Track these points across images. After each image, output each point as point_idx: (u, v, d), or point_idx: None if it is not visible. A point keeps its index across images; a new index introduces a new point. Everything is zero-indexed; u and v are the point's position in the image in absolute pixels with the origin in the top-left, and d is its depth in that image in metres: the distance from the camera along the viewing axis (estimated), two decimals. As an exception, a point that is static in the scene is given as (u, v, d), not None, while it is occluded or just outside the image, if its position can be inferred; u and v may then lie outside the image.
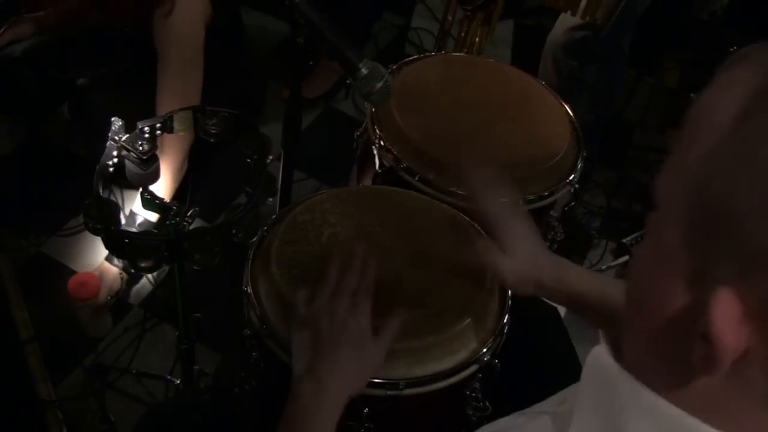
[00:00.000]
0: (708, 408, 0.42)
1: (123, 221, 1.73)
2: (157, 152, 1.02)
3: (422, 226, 1.06)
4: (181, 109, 1.04)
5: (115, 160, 0.98)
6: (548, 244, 1.35)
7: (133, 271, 1.68)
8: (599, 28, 1.66)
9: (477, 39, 1.71)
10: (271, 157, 1.06)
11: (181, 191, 1.72)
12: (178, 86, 1.59)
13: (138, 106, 1.54)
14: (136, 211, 1.63)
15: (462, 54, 1.69)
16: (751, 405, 0.41)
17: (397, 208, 1.08)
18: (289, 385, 0.80)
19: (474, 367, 0.93)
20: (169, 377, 1.57)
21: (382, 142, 1.22)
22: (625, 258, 1.86)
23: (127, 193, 1.79)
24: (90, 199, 0.96)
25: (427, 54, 1.46)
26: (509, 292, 0.99)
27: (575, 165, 1.26)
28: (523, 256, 0.88)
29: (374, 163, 1.23)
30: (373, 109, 1.26)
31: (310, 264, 0.96)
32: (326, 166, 2.01)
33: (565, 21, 1.77)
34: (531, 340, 1.09)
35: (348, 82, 1.12)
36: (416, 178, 1.17)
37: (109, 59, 1.71)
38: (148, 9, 1.55)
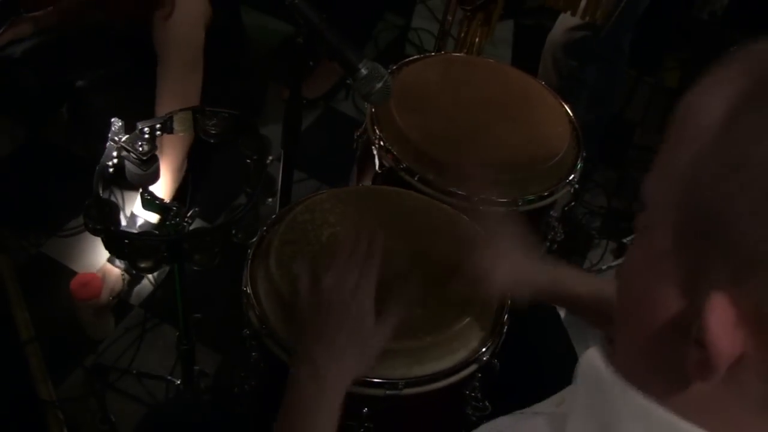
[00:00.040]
0: (703, 412, 0.42)
1: (124, 223, 1.73)
2: (157, 153, 1.02)
3: (422, 227, 1.06)
4: (180, 110, 1.04)
5: (115, 160, 0.98)
6: (548, 244, 1.35)
7: (134, 272, 1.68)
8: (599, 28, 1.66)
9: (477, 39, 1.71)
10: (270, 158, 1.06)
11: (181, 192, 1.72)
12: (178, 87, 1.59)
13: (137, 108, 1.54)
14: (137, 213, 1.63)
15: (462, 54, 1.69)
16: (747, 409, 0.41)
17: (397, 209, 1.08)
18: (288, 372, 0.79)
19: (473, 367, 0.93)
20: (169, 378, 1.57)
21: (381, 143, 1.22)
22: (626, 258, 1.85)
23: (128, 195, 1.79)
24: (90, 199, 0.96)
25: (427, 54, 1.46)
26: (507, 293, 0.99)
27: (575, 165, 1.26)
28: (518, 263, 0.89)
29: (374, 164, 1.23)
30: (373, 110, 1.26)
31: None
32: (326, 167, 2.01)
33: (565, 21, 1.77)
34: (531, 339, 1.09)
35: (348, 82, 1.12)
36: (416, 179, 1.17)
37: (108, 60, 1.71)
38: (147, 10, 1.55)
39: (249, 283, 0.97)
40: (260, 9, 2.43)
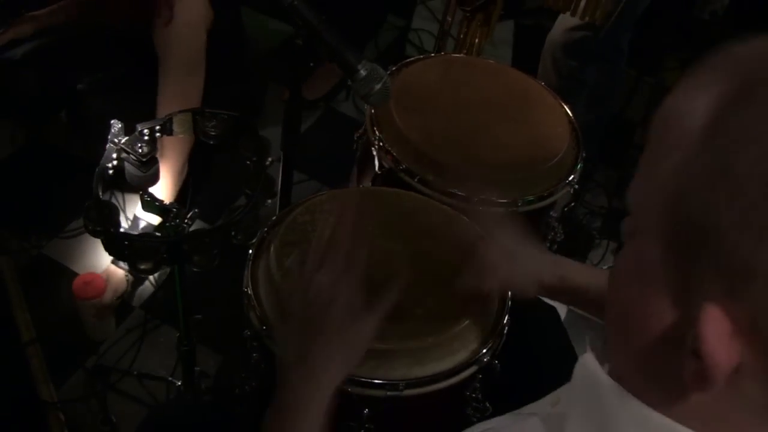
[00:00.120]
0: (702, 420, 0.42)
1: (126, 225, 1.73)
2: (158, 155, 1.02)
3: (422, 227, 1.06)
4: (180, 112, 1.04)
5: (115, 162, 0.98)
6: (548, 244, 1.35)
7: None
8: (598, 29, 1.66)
9: (476, 40, 1.71)
10: (270, 159, 1.06)
11: (181, 194, 1.72)
12: (179, 90, 1.59)
13: (138, 110, 1.55)
14: (140, 216, 1.64)
15: (461, 55, 1.69)
16: (747, 416, 0.40)
17: (397, 209, 1.08)
18: (279, 372, 0.77)
19: (474, 368, 0.93)
20: (170, 378, 1.57)
21: (381, 144, 1.22)
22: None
23: (130, 197, 1.79)
24: (89, 201, 0.96)
25: (427, 55, 1.46)
26: (509, 292, 0.99)
27: (575, 165, 1.26)
28: (524, 258, 0.88)
29: (374, 165, 1.23)
30: (373, 111, 1.26)
31: None
32: (327, 168, 2.01)
33: (565, 21, 1.77)
34: (531, 340, 1.09)
35: (348, 83, 1.12)
36: (416, 180, 1.18)
37: (109, 63, 1.71)
38: (147, 13, 1.55)
39: (250, 284, 0.97)
40: (260, 10, 2.43)
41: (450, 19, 1.87)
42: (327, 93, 2.28)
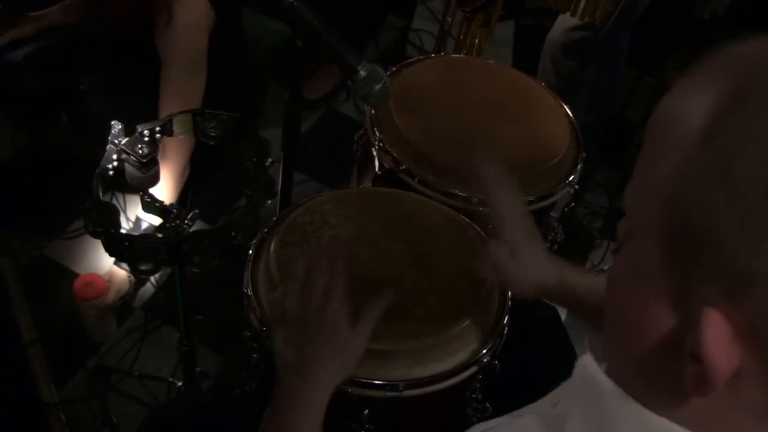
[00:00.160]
0: (702, 423, 0.41)
1: (129, 226, 1.73)
2: (160, 157, 1.02)
3: (422, 228, 1.06)
4: (180, 113, 1.04)
5: (115, 163, 0.99)
6: (548, 245, 1.35)
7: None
8: (598, 29, 1.66)
9: (476, 40, 1.71)
10: (270, 160, 1.07)
11: (182, 195, 1.72)
12: (181, 92, 1.60)
13: (138, 111, 1.55)
14: (142, 216, 1.64)
15: (462, 55, 1.69)
16: (747, 419, 0.40)
17: (397, 210, 1.08)
18: (275, 378, 0.79)
19: (474, 369, 0.93)
20: (171, 379, 1.57)
21: (381, 144, 1.22)
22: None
23: (132, 198, 1.80)
24: (90, 202, 0.97)
25: (427, 56, 1.46)
26: (509, 292, 0.99)
27: (575, 166, 1.26)
28: (527, 259, 0.88)
29: (374, 165, 1.23)
30: (373, 111, 1.26)
31: None
32: (327, 168, 2.01)
33: (564, 21, 1.77)
34: (531, 341, 1.09)
35: (348, 84, 1.12)
36: (416, 180, 1.18)
37: (109, 64, 1.71)
38: (149, 14, 1.55)
39: (250, 284, 0.97)
40: (260, 10, 2.43)
41: (450, 19, 1.87)
42: (328, 93, 2.28)
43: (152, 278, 1.75)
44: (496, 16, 1.68)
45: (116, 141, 0.99)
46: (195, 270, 1.02)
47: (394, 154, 1.20)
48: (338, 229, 1.03)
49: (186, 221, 0.99)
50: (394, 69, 1.36)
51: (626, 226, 0.44)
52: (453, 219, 1.09)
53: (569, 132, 1.29)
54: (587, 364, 0.47)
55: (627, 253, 0.44)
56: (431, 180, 1.17)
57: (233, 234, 0.99)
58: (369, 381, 0.87)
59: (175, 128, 1.05)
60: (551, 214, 1.30)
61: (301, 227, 1.02)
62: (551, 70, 1.85)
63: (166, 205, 1.01)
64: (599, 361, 0.47)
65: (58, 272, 1.74)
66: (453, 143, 1.22)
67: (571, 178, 1.24)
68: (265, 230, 1.04)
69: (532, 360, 1.08)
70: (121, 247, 0.96)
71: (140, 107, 1.59)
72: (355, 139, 1.36)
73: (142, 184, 1.01)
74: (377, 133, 1.23)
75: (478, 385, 0.96)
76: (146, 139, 1.00)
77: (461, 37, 1.75)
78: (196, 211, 1.02)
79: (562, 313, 1.21)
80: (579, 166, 1.27)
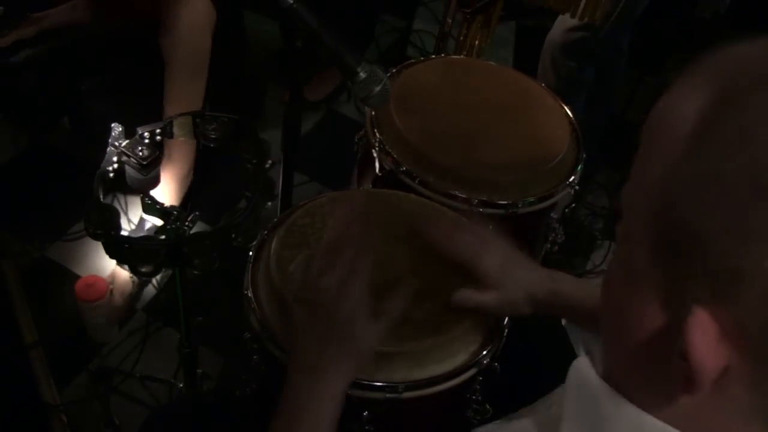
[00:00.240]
0: (692, 422, 0.42)
1: (131, 227, 1.74)
2: (164, 161, 1.03)
3: (424, 225, 1.06)
4: (180, 115, 1.04)
5: (115, 165, 0.99)
6: (549, 245, 1.35)
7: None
8: (598, 29, 1.66)
9: (477, 41, 1.71)
10: (270, 162, 1.07)
11: (183, 197, 1.73)
12: (185, 93, 1.60)
13: (140, 113, 1.55)
14: (145, 217, 1.64)
15: (462, 57, 1.69)
16: (736, 418, 0.41)
17: (397, 211, 1.08)
18: (284, 377, 0.77)
19: (473, 370, 0.93)
20: (172, 380, 1.58)
21: (381, 145, 1.22)
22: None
23: (134, 200, 1.80)
24: (90, 204, 0.97)
25: (427, 57, 1.46)
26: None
27: (575, 166, 1.26)
28: (511, 283, 0.87)
29: (374, 167, 1.23)
30: (373, 113, 1.26)
31: None
32: (328, 169, 2.01)
33: (564, 21, 1.77)
34: (531, 342, 1.09)
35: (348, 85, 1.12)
36: (416, 181, 1.18)
37: (111, 66, 1.72)
38: (152, 15, 1.56)
39: (250, 286, 0.97)
40: (260, 12, 2.43)
41: (450, 20, 1.87)
42: (329, 95, 2.28)
43: (153, 280, 1.76)
44: (496, 17, 1.68)
45: (116, 143, 0.99)
46: (195, 272, 1.02)
47: (395, 156, 1.20)
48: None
49: (186, 223, 0.99)
50: (394, 70, 1.36)
51: (622, 227, 0.44)
52: (453, 220, 1.08)
53: (569, 133, 1.29)
54: (581, 367, 0.47)
55: (621, 255, 0.45)
56: (431, 181, 1.17)
57: (233, 236, 0.99)
58: (369, 382, 0.87)
59: (176, 130, 1.05)
60: (552, 215, 1.30)
61: (301, 229, 1.03)
62: (551, 71, 1.85)
63: (166, 207, 1.01)
64: (596, 363, 0.47)
65: (60, 274, 1.75)
66: (453, 144, 1.22)
67: (571, 179, 1.24)
68: (265, 232, 1.04)
69: (533, 361, 1.08)
70: (122, 249, 0.96)
71: (141, 109, 1.60)
72: (356, 140, 1.36)
73: (142, 186, 1.02)
74: (377, 134, 1.23)
75: (478, 387, 0.96)
76: (146, 141, 1.00)
77: (461, 38, 1.75)
78: (197, 212, 1.02)
79: (563, 315, 1.21)
80: (579, 167, 1.27)
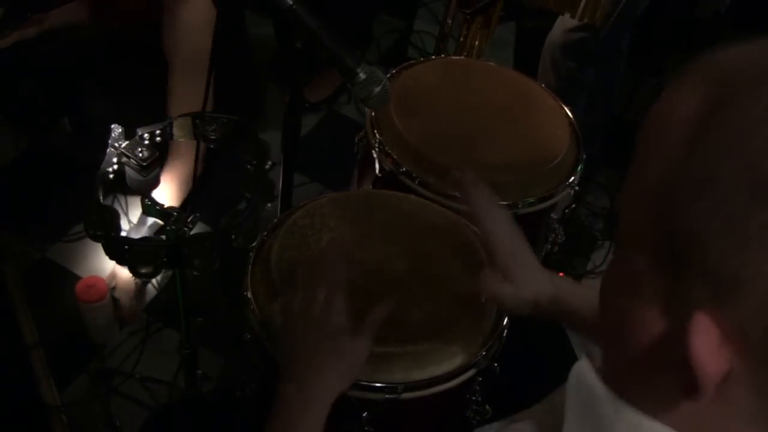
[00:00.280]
0: (693, 426, 0.41)
1: (131, 227, 1.74)
2: (167, 163, 1.03)
3: (422, 230, 1.06)
4: (179, 116, 1.04)
5: (115, 166, 0.99)
6: (549, 246, 1.35)
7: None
8: (598, 30, 1.66)
9: (477, 42, 1.71)
10: (270, 163, 1.07)
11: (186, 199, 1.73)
12: (190, 91, 1.59)
13: (140, 114, 1.55)
14: (146, 218, 1.64)
15: (462, 57, 1.69)
16: (736, 422, 0.40)
17: (396, 212, 1.08)
18: (276, 380, 0.80)
19: (473, 371, 0.93)
20: (173, 381, 1.58)
21: (381, 146, 1.22)
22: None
23: (134, 200, 1.80)
24: (90, 205, 0.97)
25: (427, 58, 1.46)
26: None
27: (575, 167, 1.26)
28: (521, 281, 0.87)
29: (374, 167, 1.23)
30: (373, 114, 1.26)
31: None
32: (329, 170, 2.01)
33: (564, 22, 1.77)
34: (531, 343, 1.09)
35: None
36: (416, 182, 1.18)
37: (111, 67, 1.72)
38: (151, 15, 1.56)
39: (249, 287, 0.97)
40: (260, 13, 2.43)
41: (450, 21, 1.87)
42: (330, 95, 2.28)
43: (154, 280, 1.76)
44: (495, 18, 1.68)
45: (116, 144, 0.99)
46: (195, 273, 1.02)
47: (395, 156, 1.20)
48: (337, 232, 1.03)
49: (186, 224, 0.99)
50: (394, 71, 1.36)
51: (619, 231, 0.44)
52: (453, 221, 1.09)
53: (569, 133, 1.29)
54: (582, 370, 0.47)
55: (618, 260, 0.45)
56: (431, 182, 1.17)
57: (233, 237, 0.99)
58: (368, 383, 0.87)
59: (175, 131, 1.05)
60: (552, 215, 1.30)
61: (300, 230, 1.03)
62: (551, 71, 1.85)
63: (166, 208, 1.01)
64: (597, 366, 0.47)
65: (60, 275, 1.74)
66: (453, 145, 1.22)
67: (571, 180, 1.24)
68: (265, 233, 1.04)
69: (533, 362, 1.08)
70: (121, 250, 0.96)
71: (142, 110, 1.60)
72: (356, 141, 1.36)
73: (142, 187, 1.02)
74: (377, 135, 1.23)
75: (478, 388, 0.97)
76: (146, 142, 1.00)
77: (462, 39, 1.75)
78: (197, 214, 1.02)
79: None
80: (579, 168, 1.27)
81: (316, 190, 1.99)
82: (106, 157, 1.00)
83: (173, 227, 1.00)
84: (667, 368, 0.40)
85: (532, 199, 1.19)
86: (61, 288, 1.69)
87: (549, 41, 1.85)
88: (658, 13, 1.83)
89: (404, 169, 1.19)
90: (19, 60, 1.62)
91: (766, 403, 0.39)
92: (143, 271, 0.97)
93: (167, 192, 1.65)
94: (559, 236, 1.35)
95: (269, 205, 1.07)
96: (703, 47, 0.42)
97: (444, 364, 0.91)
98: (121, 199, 1.80)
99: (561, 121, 1.32)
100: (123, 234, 1.22)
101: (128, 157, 0.99)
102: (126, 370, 1.59)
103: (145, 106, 1.60)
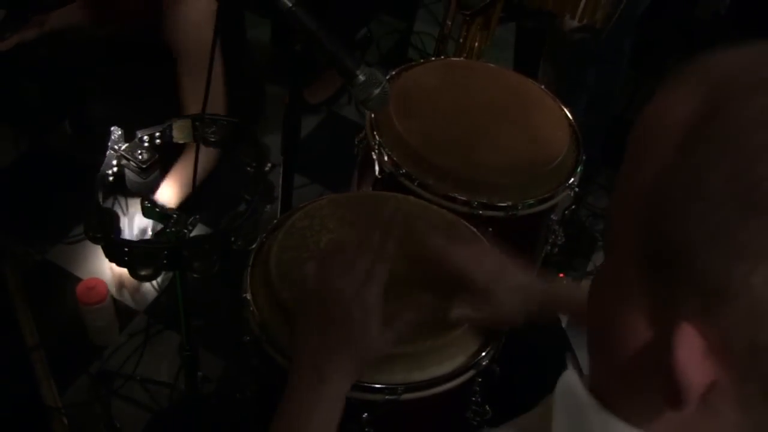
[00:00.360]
0: None
1: (130, 228, 1.74)
2: (173, 164, 1.02)
3: (421, 231, 1.06)
4: (179, 117, 1.04)
5: (115, 169, 0.99)
6: (549, 247, 1.35)
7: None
8: (599, 31, 1.66)
9: (477, 43, 1.71)
10: (270, 165, 1.07)
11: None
12: (202, 83, 1.59)
13: (141, 116, 1.55)
14: (146, 221, 1.64)
15: (462, 59, 1.69)
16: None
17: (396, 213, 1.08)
18: (287, 374, 0.76)
19: (472, 372, 0.93)
20: (173, 383, 1.58)
21: (381, 148, 1.22)
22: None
23: (135, 202, 1.80)
24: (90, 208, 0.97)
25: (427, 59, 1.46)
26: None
27: (575, 168, 1.26)
28: (507, 296, 0.87)
29: (374, 169, 1.23)
30: (373, 115, 1.26)
31: None
32: (329, 172, 2.01)
33: (565, 23, 1.77)
34: (531, 344, 1.09)
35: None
36: (416, 184, 1.18)
37: (112, 68, 1.72)
38: (153, 14, 1.56)
39: (249, 289, 0.97)
40: (260, 14, 2.43)
41: (450, 22, 1.87)
42: (330, 97, 2.28)
43: (154, 282, 1.76)
44: (495, 19, 1.68)
45: (116, 147, 0.99)
46: (195, 275, 1.02)
47: (394, 158, 1.20)
48: (337, 234, 1.03)
49: (186, 226, 0.99)
50: (394, 72, 1.36)
51: (608, 236, 0.44)
52: (453, 223, 1.09)
53: (569, 134, 1.29)
54: (569, 379, 0.47)
55: (607, 267, 0.45)
56: (431, 183, 1.17)
57: (233, 239, 1.00)
58: (368, 384, 0.87)
59: (175, 133, 1.05)
60: (552, 216, 1.30)
61: (300, 231, 1.03)
62: (552, 73, 1.85)
63: (166, 210, 1.01)
64: (577, 370, 0.47)
65: (61, 277, 1.75)
66: (453, 146, 1.22)
67: (571, 181, 1.24)
68: (264, 235, 1.04)
69: (533, 363, 1.08)
70: (121, 252, 0.96)
71: (143, 112, 1.60)
72: (356, 142, 1.36)
73: (142, 189, 1.02)
74: (377, 136, 1.23)
75: (478, 389, 0.96)
76: (146, 144, 1.00)
77: (461, 40, 1.75)
78: (196, 216, 1.02)
79: (563, 318, 1.21)
80: (579, 169, 1.27)
81: (316, 192, 1.99)
82: (106, 159, 1.00)
83: (173, 229, 1.00)
84: (652, 377, 0.40)
85: (531, 201, 1.19)
86: (61, 290, 1.69)
87: (549, 42, 1.85)
88: (658, 14, 1.83)
89: (404, 170, 1.19)
90: (20, 62, 1.62)
91: (751, 414, 0.39)
92: (143, 273, 0.97)
93: (169, 194, 1.65)
94: (559, 237, 1.35)
95: (269, 207, 1.07)
96: (703, 47, 0.41)
97: (444, 365, 0.91)
98: (121, 201, 1.80)
99: (561, 122, 1.32)
100: (123, 236, 1.21)
101: (128, 160, 0.99)
102: (126, 372, 1.60)
103: (145, 107, 1.59)
